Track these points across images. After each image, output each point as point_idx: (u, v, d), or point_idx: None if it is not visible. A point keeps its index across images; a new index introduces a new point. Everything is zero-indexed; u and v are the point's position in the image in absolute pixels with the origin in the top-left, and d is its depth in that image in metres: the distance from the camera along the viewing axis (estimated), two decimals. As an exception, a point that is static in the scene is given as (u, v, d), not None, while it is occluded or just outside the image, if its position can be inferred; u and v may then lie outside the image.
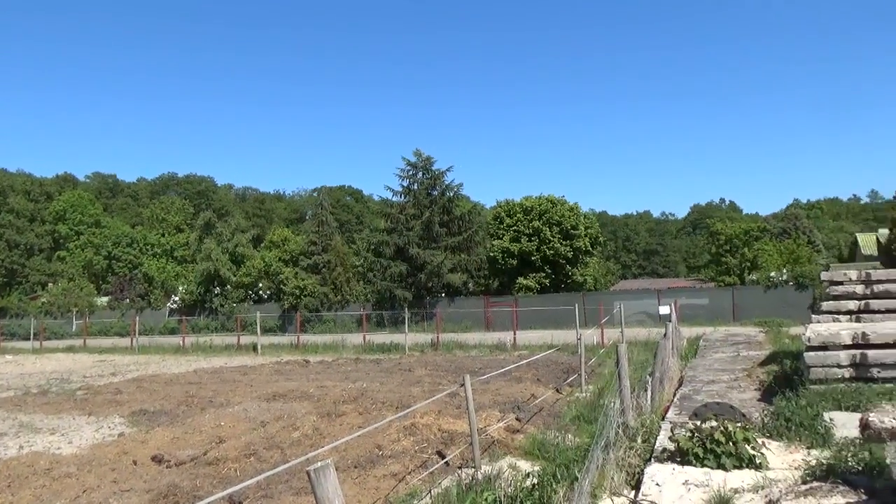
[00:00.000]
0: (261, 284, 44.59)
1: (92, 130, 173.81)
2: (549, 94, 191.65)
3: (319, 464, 2.93)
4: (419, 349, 24.11)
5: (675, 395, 10.89)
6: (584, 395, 12.00)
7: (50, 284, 55.88)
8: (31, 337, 37.18)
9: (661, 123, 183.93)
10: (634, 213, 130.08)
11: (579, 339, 14.02)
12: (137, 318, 36.76)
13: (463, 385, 7.42)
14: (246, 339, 30.41)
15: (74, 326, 44.36)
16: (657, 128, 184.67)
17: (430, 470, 7.22)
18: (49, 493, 7.15)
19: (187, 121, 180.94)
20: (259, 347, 27.02)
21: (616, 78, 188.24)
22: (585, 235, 42.47)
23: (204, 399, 13.37)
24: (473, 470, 7.02)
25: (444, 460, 7.58)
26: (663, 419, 8.87)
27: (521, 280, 41.02)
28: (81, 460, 8.52)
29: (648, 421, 8.31)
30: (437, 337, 25.70)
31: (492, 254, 41.97)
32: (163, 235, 73.60)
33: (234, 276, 45.09)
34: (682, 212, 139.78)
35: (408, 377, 15.68)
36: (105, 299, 52.66)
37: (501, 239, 42.18)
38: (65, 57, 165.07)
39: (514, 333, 25.10)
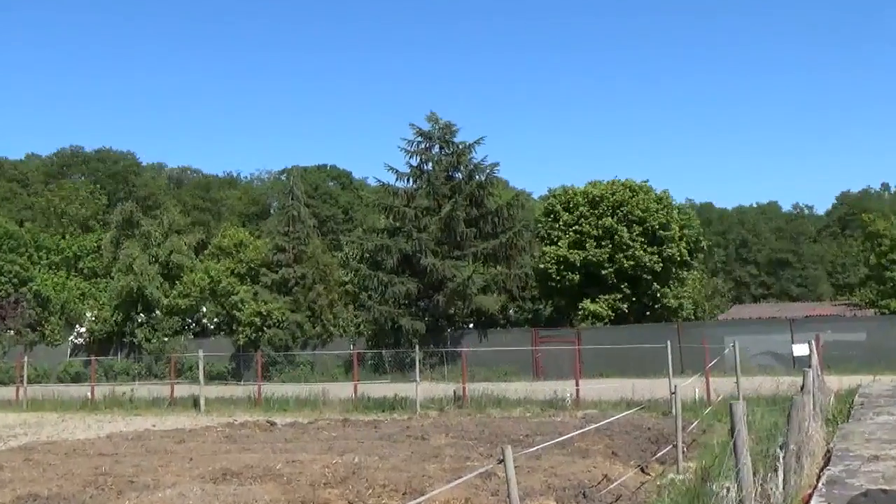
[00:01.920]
0: (204, 310, 45.32)
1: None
2: (619, 42, 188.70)
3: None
4: (436, 406, 24.16)
5: (819, 478, 10.67)
6: (681, 476, 11.79)
7: None
8: None
9: (788, 78, 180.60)
10: (754, 206, 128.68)
11: (673, 393, 13.50)
12: (26, 359, 37.03)
13: (502, 461, 7.33)
14: (183, 390, 30.86)
15: None
16: (784, 87, 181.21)
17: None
18: None
19: (98, 78, 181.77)
20: (202, 403, 27.34)
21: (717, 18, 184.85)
22: (681, 238, 42.26)
23: (122, 479, 13.17)
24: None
25: (475, 574, 7.51)
26: (804, 513, 8.75)
27: (585, 304, 40.96)
28: None
29: (781, 517, 8.18)
30: (464, 388, 25.68)
31: (542, 266, 41.92)
32: (63, 237, 73.72)
33: (167, 296, 45.52)
34: (824, 204, 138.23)
35: (420, 448, 15.51)
36: (-23, 329, 53.18)
37: (556, 244, 42.11)
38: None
39: (577, 383, 24.91)
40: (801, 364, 28.77)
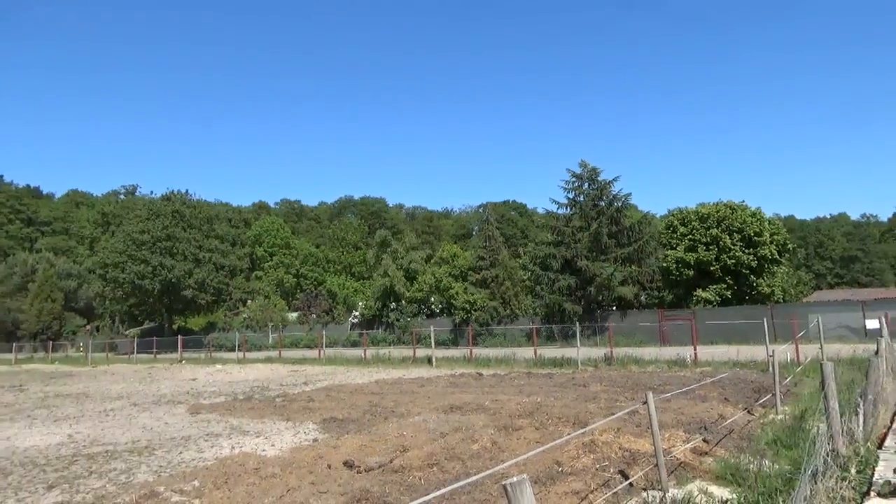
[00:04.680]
0: (432, 299, 46.47)
1: (281, 161, 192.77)
2: (720, 94, 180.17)
3: (515, 478, 2.94)
4: (592, 364, 23.44)
5: (892, 421, 9.61)
6: (779, 417, 11.03)
7: (249, 301, 62.19)
8: (236, 348, 41.12)
9: (854, 113, 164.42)
10: (828, 217, 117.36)
11: (771, 355, 12.67)
12: (324, 332, 39.44)
13: (645, 402, 7.10)
14: (421, 352, 31.30)
15: (270, 339, 48.25)
16: (850, 119, 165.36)
17: (614, 490, 6.97)
18: (258, 491, 7.80)
19: (361, 146, 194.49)
20: (434, 360, 27.73)
21: (798, 73, 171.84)
22: (771, 242, 39.22)
23: (386, 409, 13.93)
24: (661, 493, 6.68)
25: (628, 481, 7.29)
26: (880, 448, 7.85)
27: (698, 292, 39.05)
28: (283, 462, 9.17)
29: (863, 449, 7.40)
30: (611, 351, 24.84)
31: (665, 265, 40.35)
32: (342, 254, 79.09)
33: (408, 291, 47.19)
34: (885, 213, 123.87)
35: (583, 393, 15.18)
36: (295, 314, 57.31)
37: (675, 249, 40.43)
38: (264, 94, 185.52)
39: (695, 348, 23.52)
40: (872, 335, 26.04)
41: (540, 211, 59.67)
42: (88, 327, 63.91)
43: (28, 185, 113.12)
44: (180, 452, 10.56)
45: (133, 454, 10.64)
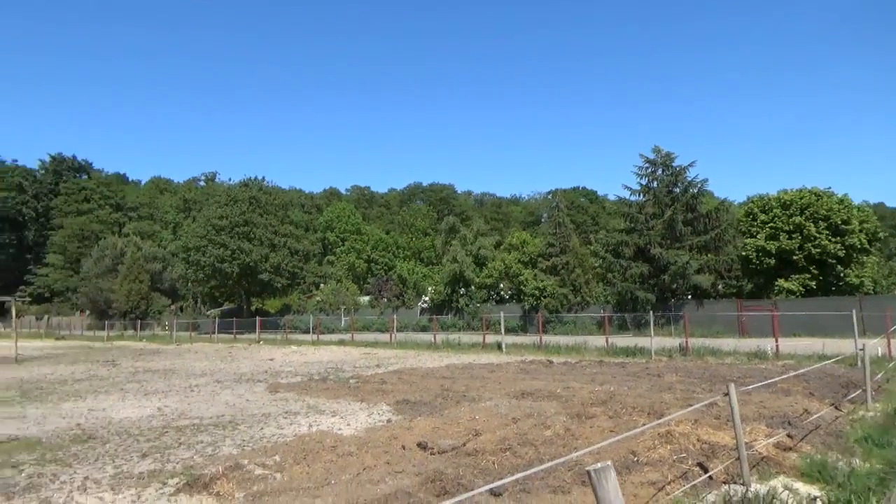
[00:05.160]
0: (502, 285, 46.22)
1: (351, 148, 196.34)
2: (801, 76, 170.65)
3: (600, 465, 2.94)
4: (666, 354, 22.77)
5: None
6: (870, 414, 10.47)
7: (322, 285, 63.72)
8: (310, 330, 42.38)
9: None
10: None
11: (861, 349, 12.02)
12: (394, 316, 40.42)
13: (726, 394, 6.91)
14: (490, 338, 31.28)
15: (343, 322, 49.95)
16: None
17: (693, 482, 6.82)
18: (336, 468, 8.03)
19: (430, 133, 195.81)
20: (503, 346, 27.65)
21: (879, 53, 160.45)
22: (860, 231, 37.17)
23: (458, 393, 14.01)
24: (742, 487, 6.50)
25: (708, 474, 7.12)
26: (984, 450, 7.35)
27: (780, 282, 37.46)
28: (359, 441, 9.34)
29: (966, 451, 6.96)
30: (686, 341, 24.03)
31: (744, 253, 38.88)
32: (412, 239, 79.99)
33: (478, 277, 47.43)
34: None
35: (657, 383, 14.82)
36: (366, 298, 58.95)
37: (755, 237, 38.94)
38: (334, 83, 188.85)
39: (776, 341, 22.50)
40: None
41: (611, 198, 58.55)
42: (173, 307, 67.24)
43: (117, 173, 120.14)
44: (261, 428, 10.99)
45: (218, 428, 11.18)
